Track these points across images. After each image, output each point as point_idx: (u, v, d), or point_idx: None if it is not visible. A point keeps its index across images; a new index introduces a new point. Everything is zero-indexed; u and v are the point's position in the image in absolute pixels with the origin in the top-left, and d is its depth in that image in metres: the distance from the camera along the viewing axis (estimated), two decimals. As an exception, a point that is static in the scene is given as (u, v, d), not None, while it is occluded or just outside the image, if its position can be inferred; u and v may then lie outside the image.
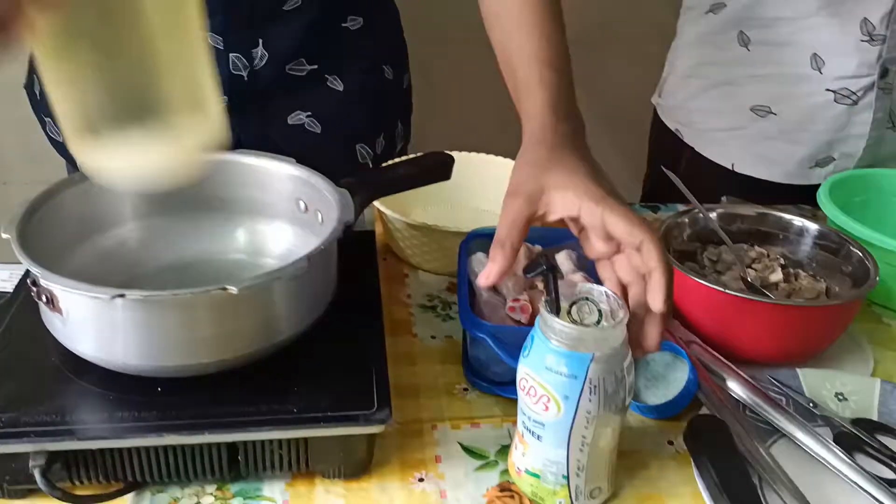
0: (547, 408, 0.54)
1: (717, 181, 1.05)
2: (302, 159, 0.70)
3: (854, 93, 0.95)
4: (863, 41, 0.92)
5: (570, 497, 0.57)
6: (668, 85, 1.11)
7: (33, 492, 0.55)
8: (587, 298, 0.54)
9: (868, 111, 0.96)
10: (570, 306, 0.54)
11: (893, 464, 0.61)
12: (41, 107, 0.95)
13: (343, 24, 0.88)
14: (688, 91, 1.06)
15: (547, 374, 0.54)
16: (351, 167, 0.93)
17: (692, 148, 1.07)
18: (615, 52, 1.42)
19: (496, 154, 0.95)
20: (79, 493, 0.55)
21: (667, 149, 1.13)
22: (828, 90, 0.96)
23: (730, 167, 1.05)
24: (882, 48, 0.92)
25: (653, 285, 0.54)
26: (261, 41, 0.84)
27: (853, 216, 0.79)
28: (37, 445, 0.53)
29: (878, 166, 0.97)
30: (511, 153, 0.95)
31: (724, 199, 0.99)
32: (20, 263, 0.60)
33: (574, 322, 0.53)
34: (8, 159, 1.35)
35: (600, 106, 1.47)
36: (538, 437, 0.56)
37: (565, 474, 0.56)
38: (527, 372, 0.55)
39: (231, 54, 0.85)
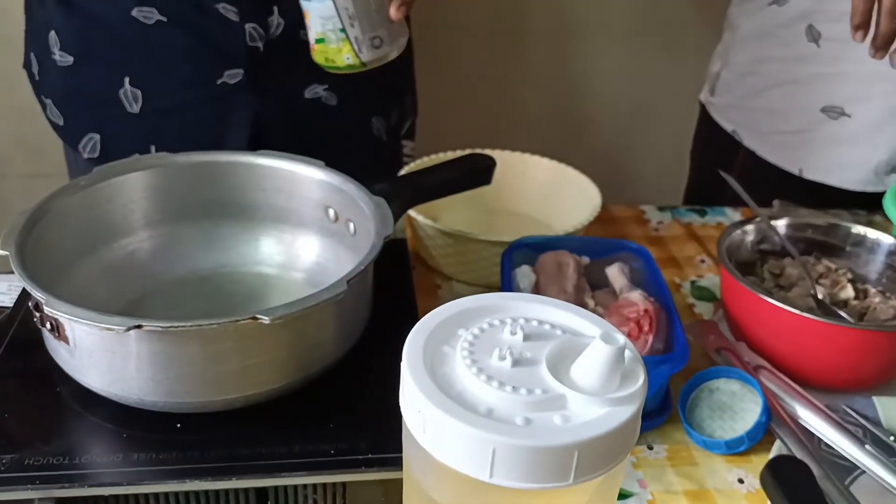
0: None
1: (776, 186, 0.97)
2: (322, 137, 0.64)
3: None
4: None
5: (354, 49, 0.62)
6: (723, 82, 1.02)
7: (37, 541, 0.49)
8: None
9: None
10: None
11: None
12: (42, 87, 0.88)
13: None
14: (747, 89, 0.98)
15: None
16: (367, 141, 0.88)
17: (748, 149, 0.99)
18: (653, 43, 1.34)
19: (516, 151, 0.89)
20: (89, 543, 0.49)
21: (717, 150, 1.05)
22: None
23: (796, 172, 0.98)
24: None
25: None
26: (276, 8, 0.77)
27: None
28: (43, 492, 0.47)
29: None
30: (540, 151, 0.89)
31: (775, 203, 0.93)
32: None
33: None
34: (4, 150, 1.28)
35: (636, 101, 1.41)
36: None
37: (341, 26, 0.61)
38: None
39: (247, 24, 0.78)
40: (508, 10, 1.34)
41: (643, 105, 1.36)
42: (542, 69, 1.38)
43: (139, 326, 0.44)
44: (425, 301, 0.76)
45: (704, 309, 0.77)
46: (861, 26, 0.70)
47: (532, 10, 1.34)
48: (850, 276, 0.72)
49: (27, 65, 0.89)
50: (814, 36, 0.90)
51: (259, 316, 0.46)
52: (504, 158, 0.88)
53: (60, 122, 0.87)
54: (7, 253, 0.50)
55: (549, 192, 0.88)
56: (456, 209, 0.87)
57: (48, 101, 0.88)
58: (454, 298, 0.75)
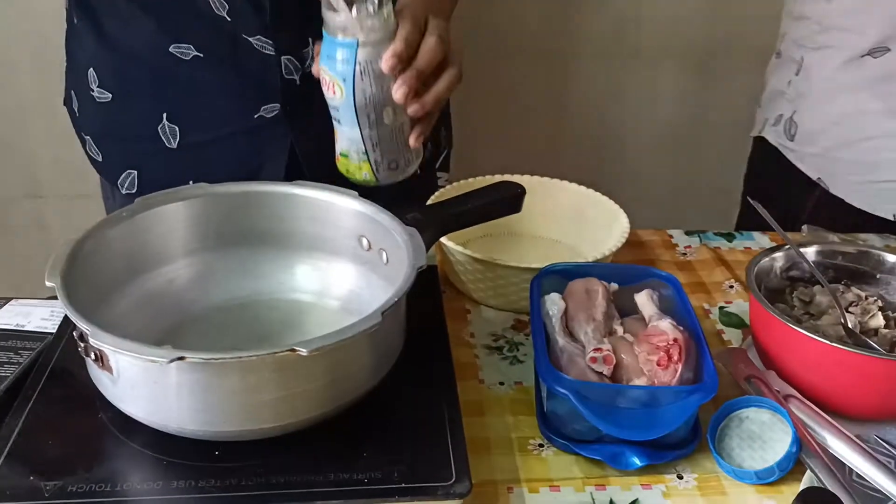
0: (334, 92, 0.65)
1: (851, 222, 0.97)
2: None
3: None
4: None
5: (372, 170, 0.67)
6: (804, 131, 1.01)
7: (80, 566, 0.51)
8: None
9: None
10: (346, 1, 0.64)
11: None
12: (81, 124, 0.91)
13: None
14: (835, 141, 0.97)
15: (329, 62, 0.65)
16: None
17: (825, 190, 1.00)
18: (687, 69, 1.34)
19: (548, 176, 0.90)
20: (130, 568, 0.50)
21: (786, 187, 1.05)
22: None
23: (891, 218, 0.98)
24: None
25: None
26: (310, 39, 0.79)
27: None
28: (84, 519, 0.48)
29: None
30: (565, 176, 0.90)
31: (804, 228, 0.93)
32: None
33: (336, 11, 0.63)
34: (44, 173, 1.32)
35: (670, 125, 1.41)
36: (339, 121, 0.67)
37: (364, 150, 0.67)
38: (321, 65, 0.66)
39: (283, 58, 0.80)
40: (547, 33, 1.35)
41: (677, 130, 1.36)
42: (576, 93, 1.39)
43: (182, 358, 0.46)
44: (455, 325, 0.77)
45: (733, 335, 0.77)
46: None
47: (567, 34, 1.35)
48: (880, 303, 0.72)
49: (67, 101, 0.92)
50: None
51: (297, 348, 0.47)
52: (534, 184, 0.89)
53: (99, 158, 0.89)
54: (53, 284, 0.52)
55: (578, 217, 0.88)
56: (485, 234, 0.88)
57: (87, 138, 0.90)
58: (483, 323, 0.77)
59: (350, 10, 0.63)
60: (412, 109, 0.66)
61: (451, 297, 0.82)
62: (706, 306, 0.81)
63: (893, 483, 0.58)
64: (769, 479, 0.59)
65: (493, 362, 0.73)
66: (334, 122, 0.68)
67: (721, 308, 0.81)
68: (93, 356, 0.50)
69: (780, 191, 1.03)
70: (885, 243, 0.92)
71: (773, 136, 1.05)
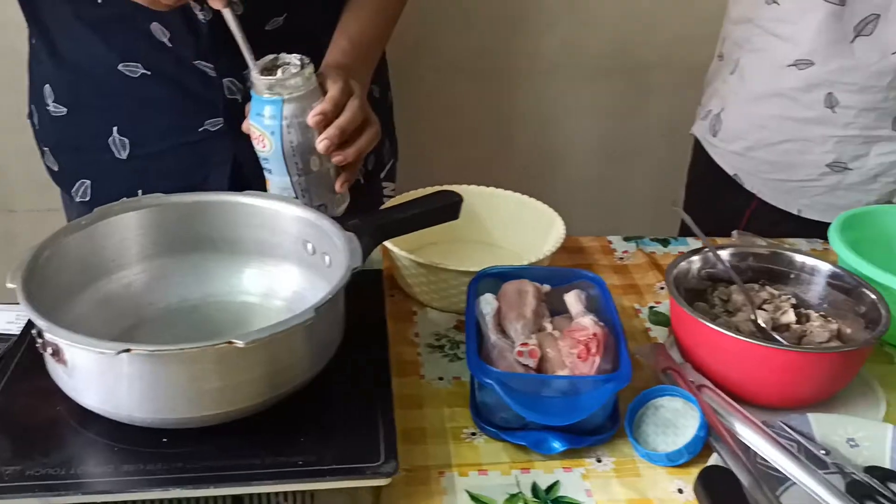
0: (264, 145, 0.73)
1: (773, 221, 1.04)
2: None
3: None
4: None
5: None
6: (727, 129, 1.08)
7: (37, 545, 0.55)
8: (276, 56, 0.73)
9: None
10: (270, 65, 0.73)
11: (905, 515, 0.60)
12: (40, 136, 0.96)
13: (325, 43, 0.88)
14: (754, 141, 1.04)
15: (257, 118, 0.72)
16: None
17: (760, 199, 1.06)
18: (623, 83, 1.41)
19: (494, 186, 0.95)
20: (83, 546, 0.54)
21: (713, 184, 1.11)
22: None
23: (795, 212, 1.05)
24: None
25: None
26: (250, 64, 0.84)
27: (866, 250, 0.79)
28: (42, 500, 0.52)
29: None
30: (512, 186, 0.96)
31: (734, 233, 0.99)
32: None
33: (267, 73, 0.72)
34: (14, 187, 1.36)
35: (608, 137, 1.48)
36: (269, 171, 0.74)
37: (294, 195, 0.74)
38: (250, 122, 0.73)
39: (224, 79, 0.85)
40: (490, 52, 1.41)
41: (615, 140, 1.43)
42: (521, 108, 1.46)
43: (128, 350, 0.50)
44: (401, 326, 0.82)
45: (660, 333, 0.82)
46: None
47: (509, 53, 1.42)
48: (793, 301, 0.78)
49: (30, 115, 0.97)
50: (831, 102, 0.96)
51: (234, 340, 0.52)
52: (478, 193, 0.94)
53: (56, 168, 0.95)
54: (14, 286, 0.56)
55: (518, 224, 0.94)
56: (434, 242, 0.93)
57: (46, 150, 0.96)
58: (428, 324, 0.82)
59: (274, 73, 0.73)
60: (336, 159, 0.75)
61: (400, 300, 0.87)
62: (637, 306, 0.87)
63: (793, 464, 0.63)
64: (679, 461, 0.65)
65: (435, 360, 0.78)
66: (266, 173, 0.76)
67: (651, 308, 0.87)
68: (49, 351, 0.55)
69: (716, 200, 1.10)
70: (811, 247, 0.98)
71: (699, 130, 1.12)
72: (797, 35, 0.95)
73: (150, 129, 0.87)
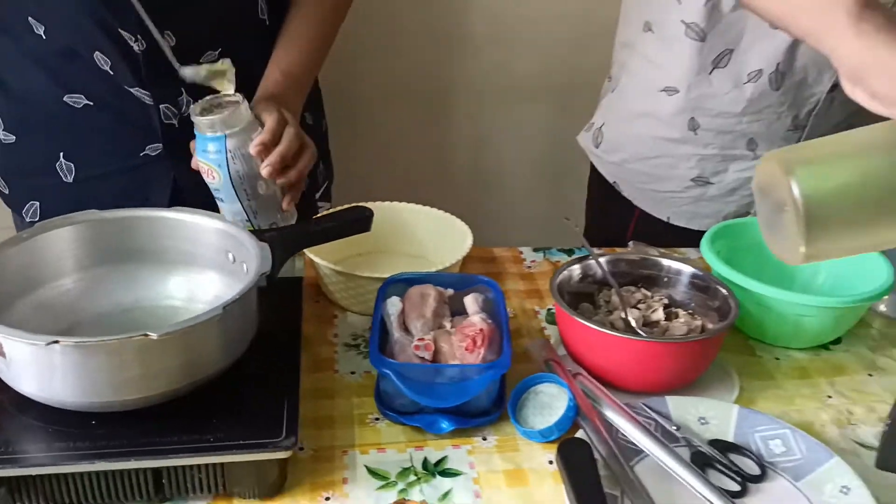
0: (213, 177, 0.83)
1: (656, 232, 1.15)
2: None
3: None
4: (789, 130, 1.06)
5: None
6: (607, 141, 1.19)
7: (-20, 515, 0.63)
8: (213, 96, 0.83)
9: None
10: (208, 105, 0.83)
11: (738, 478, 0.70)
12: None
13: (259, 73, 0.97)
14: (630, 155, 1.15)
15: (203, 154, 0.82)
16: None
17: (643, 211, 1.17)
18: (550, 104, 1.53)
19: (418, 203, 1.05)
20: (20, 515, 0.62)
21: (604, 196, 1.23)
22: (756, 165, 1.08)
23: (665, 219, 1.16)
24: (802, 134, 1.07)
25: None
26: (184, 90, 0.93)
27: (740, 259, 0.90)
28: (-14, 472, 0.60)
29: None
30: (432, 203, 1.05)
31: (631, 244, 1.09)
32: None
33: (207, 114, 0.81)
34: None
35: (536, 155, 1.59)
36: (221, 200, 0.85)
37: (247, 218, 0.85)
38: (197, 158, 0.83)
39: (161, 106, 0.94)
40: (424, 77, 1.52)
41: (544, 158, 1.54)
42: (454, 129, 1.57)
43: (56, 342, 0.59)
44: (322, 328, 0.91)
45: (553, 331, 0.92)
46: None
47: (443, 78, 1.53)
48: (665, 301, 0.88)
49: None
50: (694, 126, 1.08)
51: (149, 333, 0.60)
52: (400, 209, 1.04)
53: (6, 191, 1.03)
54: (-40, 289, 0.65)
55: (437, 237, 1.03)
56: (360, 252, 1.02)
57: None
58: (347, 326, 0.91)
59: (213, 112, 0.82)
60: (280, 181, 0.84)
61: (324, 305, 0.96)
62: (537, 308, 0.97)
63: (646, 438, 0.73)
64: (551, 437, 0.74)
65: (350, 357, 0.87)
66: (218, 202, 0.86)
67: (548, 310, 0.96)
68: (-10, 345, 0.63)
69: (606, 212, 1.21)
70: (699, 255, 1.09)
71: (583, 141, 1.24)
72: (667, 64, 1.06)
73: (95, 154, 0.95)
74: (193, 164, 0.83)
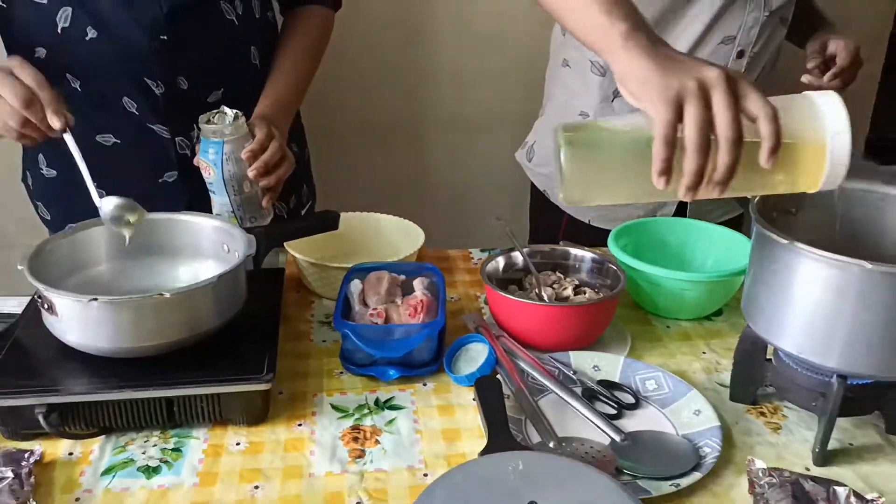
0: (209, 174, 1.05)
1: (582, 233, 1.37)
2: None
3: None
4: None
5: (239, 223, 1.06)
6: (537, 156, 1.43)
7: (38, 435, 0.84)
8: (218, 110, 1.05)
9: None
10: (213, 116, 1.05)
11: (615, 405, 0.90)
12: (34, 194, 1.27)
13: (253, 104, 1.19)
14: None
15: (204, 154, 1.04)
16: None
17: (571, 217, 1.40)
18: (504, 134, 1.78)
19: (382, 213, 1.27)
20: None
21: (539, 205, 1.45)
22: None
23: (587, 222, 1.38)
24: None
25: None
26: (196, 126, 1.16)
27: (641, 252, 1.11)
28: (40, 399, 0.81)
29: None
30: (396, 208, 1.27)
31: (561, 242, 1.31)
32: (26, 296, 0.91)
33: (210, 123, 1.04)
34: (11, 229, 1.68)
35: (496, 177, 1.82)
36: (213, 192, 1.07)
37: (231, 210, 1.07)
38: (199, 157, 1.05)
39: (177, 138, 1.17)
40: (398, 109, 1.77)
41: (504, 178, 1.77)
42: (428, 157, 1.81)
43: (95, 299, 0.81)
44: (302, 311, 1.12)
45: (489, 311, 1.13)
46: (664, 172, 0.73)
47: (415, 111, 1.77)
48: (576, 283, 1.10)
49: (24, 178, 1.28)
50: None
51: (163, 293, 0.82)
52: (366, 217, 1.26)
53: (48, 217, 1.25)
54: (23, 267, 0.86)
55: (395, 238, 1.25)
56: (335, 255, 1.24)
57: (39, 203, 1.27)
58: (322, 309, 1.12)
59: (216, 123, 1.04)
60: (262, 183, 1.06)
61: (303, 295, 1.17)
62: (478, 294, 1.18)
63: (548, 379, 0.93)
64: (473, 380, 0.94)
65: (323, 330, 1.08)
66: (210, 194, 1.08)
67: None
68: (46, 306, 0.84)
69: (541, 218, 1.43)
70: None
71: (519, 157, 1.46)
72: (580, 93, 1.29)
73: (121, 182, 1.16)
74: (195, 161, 1.06)
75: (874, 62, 1.87)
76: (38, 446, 0.82)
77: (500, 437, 0.81)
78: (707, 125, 0.72)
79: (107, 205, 0.94)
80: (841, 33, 1.28)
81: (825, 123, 0.73)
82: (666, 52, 0.78)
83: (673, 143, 0.73)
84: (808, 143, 0.74)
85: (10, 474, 0.76)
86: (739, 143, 0.72)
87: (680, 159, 0.73)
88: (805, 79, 1.24)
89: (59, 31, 1.10)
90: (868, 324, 0.77)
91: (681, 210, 1.36)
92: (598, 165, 0.77)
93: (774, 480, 0.76)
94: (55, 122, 0.93)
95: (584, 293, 1.08)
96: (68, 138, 0.94)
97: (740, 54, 1.23)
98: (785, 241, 0.78)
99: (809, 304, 0.79)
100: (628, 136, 0.76)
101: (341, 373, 0.98)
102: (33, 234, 1.59)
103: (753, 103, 0.73)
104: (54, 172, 1.21)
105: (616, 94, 1.25)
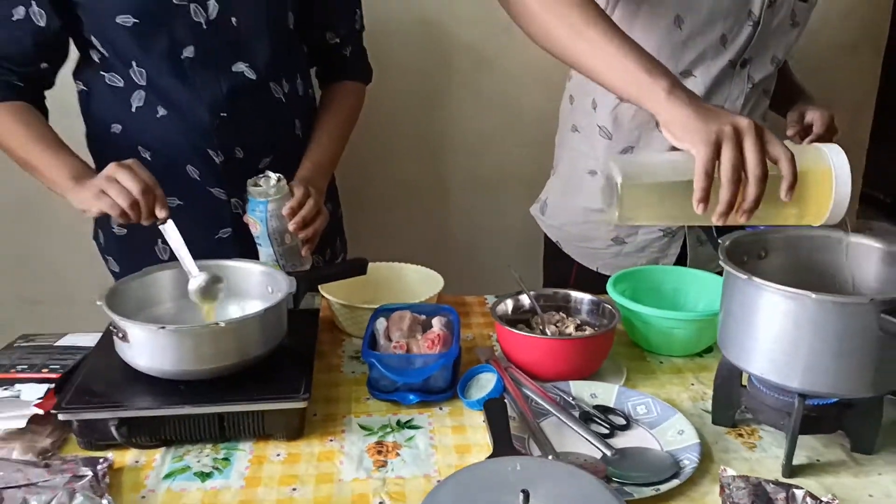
0: (256, 229, 1.23)
1: (589, 277, 1.51)
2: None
3: (673, 230, 1.44)
4: None
5: (282, 270, 1.19)
6: (550, 210, 1.58)
7: (109, 445, 0.98)
8: (263, 175, 1.23)
9: (681, 237, 1.45)
10: (259, 179, 1.23)
11: (608, 426, 1.02)
12: (105, 249, 1.45)
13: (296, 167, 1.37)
14: (566, 221, 1.53)
15: (252, 212, 1.23)
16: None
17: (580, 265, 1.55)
18: (519, 193, 1.95)
19: (407, 263, 1.43)
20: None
21: (551, 255, 1.60)
22: (659, 229, 1.45)
23: (595, 269, 1.52)
24: None
25: None
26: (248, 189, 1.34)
27: (639, 296, 1.24)
28: (112, 414, 0.96)
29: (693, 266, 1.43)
30: (420, 260, 1.42)
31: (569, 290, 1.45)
32: (98, 332, 1.08)
33: (257, 186, 1.22)
34: (76, 284, 1.87)
35: (508, 232, 1.98)
36: (260, 245, 1.25)
37: (275, 259, 1.24)
38: (248, 214, 1.24)
39: (232, 199, 1.34)
40: (421, 173, 1.95)
41: (519, 235, 1.92)
42: (450, 219, 1.98)
43: (163, 327, 0.96)
44: (333, 347, 1.27)
45: (500, 348, 1.27)
46: (703, 200, 0.89)
47: (436, 173, 1.95)
48: (578, 322, 1.23)
49: (95, 237, 1.47)
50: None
51: (219, 322, 0.97)
52: (392, 266, 1.41)
53: (117, 269, 1.43)
54: (101, 303, 1.02)
55: (420, 285, 1.39)
56: (363, 299, 1.38)
57: (109, 258, 1.44)
58: (351, 346, 1.27)
59: (261, 186, 1.21)
60: (301, 235, 1.23)
61: (336, 334, 1.32)
62: (490, 334, 1.31)
63: (550, 404, 1.06)
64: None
65: (352, 364, 1.22)
66: (257, 246, 1.27)
67: (499, 334, 1.31)
68: (120, 335, 1.00)
69: (553, 267, 1.57)
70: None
71: (534, 210, 1.61)
72: (589, 154, 1.45)
73: (184, 238, 1.33)
74: (244, 219, 1.23)
75: (862, 128, 2.01)
76: (109, 455, 0.97)
77: (505, 448, 0.94)
78: (740, 164, 0.90)
79: (198, 280, 1.12)
80: (818, 105, 1.43)
81: (832, 168, 0.90)
82: (701, 104, 0.95)
83: (711, 177, 0.90)
84: (817, 183, 0.90)
85: (89, 473, 0.90)
86: (765, 179, 0.89)
87: (716, 190, 0.90)
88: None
89: (133, 110, 1.29)
90: (822, 348, 0.89)
91: (680, 261, 1.49)
92: (646, 192, 0.94)
93: (741, 485, 0.87)
94: (162, 213, 1.13)
95: (585, 331, 1.21)
96: (171, 225, 1.13)
97: None
98: (744, 277, 0.91)
99: (770, 331, 0.92)
100: (672, 169, 0.93)
101: (368, 398, 1.12)
102: (94, 286, 1.78)
103: (776, 148, 0.90)
104: (124, 231, 1.38)
105: (623, 152, 1.40)
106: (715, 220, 0.92)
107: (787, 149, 0.91)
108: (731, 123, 0.91)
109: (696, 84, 1.33)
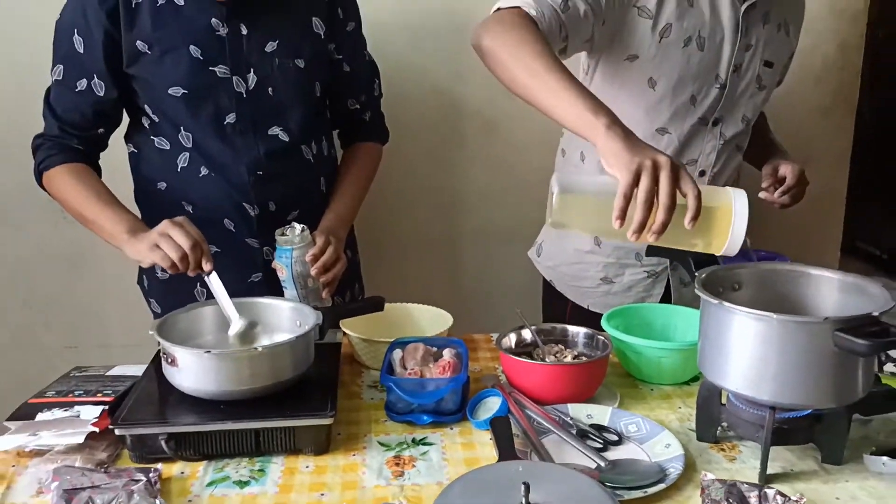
0: (283, 274, 1.37)
1: (582, 315, 1.64)
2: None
3: (657, 271, 1.58)
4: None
5: None
6: (545, 252, 1.73)
7: (158, 458, 1.10)
8: (290, 225, 1.38)
9: (664, 278, 1.59)
10: (285, 229, 1.38)
11: (601, 441, 1.14)
12: (149, 293, 1.60)
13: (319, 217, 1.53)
14: (559, 262, 1.68)
15: (279, 259, 1.37)
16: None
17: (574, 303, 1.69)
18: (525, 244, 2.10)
19: (420, 303, 1.56)
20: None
21: (548, 295, 1.73)
22: (644, 270, 1.59)
23: (586, 307, 1.66)
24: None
25: None
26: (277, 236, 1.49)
27: (631, 331, 1.37)
28: (162, 429, 1.09)
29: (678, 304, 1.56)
30: (432, 303, 1.56)
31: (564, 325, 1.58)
32: (143, 364, 1.22)
33: (283, 235, 1.36)
34: (113, 329, 2.01)
35: (515, 278, 2.13)
36: (286, 288, 1.38)
37: (299, 300, 1.36)
38: (276, 260, 1.38)
39: (264, 248, 1.50)
40: (434, 224, 2.11)
41: (524, 278, 2.07)
42: (460, 267, 2.13)
43: (208, 352, 1.10)
44: (353, 377, 1.39)
45: (505, 378, 1.39)
46: (619, 218, 1.05)
47: (449, 224, 2.11)
48: (575, 353, 1.35)
49: (140, 281, 1.61)
50: (598, 242, 1.60)
51: (258, 347, 1.11)
52: (406, 307, 1.55)
53: (159, 310, 1.57)
54: (153, 332, 1.16)
55: (432, 323, 1.53)
56: (382, 334, 1.52)
57: (152, 300, 1.59)
58: (369, 377, 1.40)
59: (287, 235, 1.36)
60: (322, 279, 1.37)
61: (356, 367, 1.45)
62: (496, 366, 1.44)
63: (551, 424, 1.18)
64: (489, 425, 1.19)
65: (371, 392, 1.34)
66: (284, 289, 1.40)
67: (505, 366, 1.44)
68: (169, 360, 1.14)
69: (550, 307, 1.71)
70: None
71: (530, 253, 1.75)
72: None
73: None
74: (273, 265, 1.38)
75: (839, 179, 2.16)
76: (159, 465, 1.09)
77: (509, 458, 1.06)
78: (653, 192, 1.04)
79: (237, 326, 1.25)
80: (790, 159, 1.58)
81: (733, 208, 1.03)
82: (635, 140, 1.10)
83: (629, 199, 1.04)
84: (720, 219, 1.04)
85: (143, 478, 1.02)
86: (673, 207, 1.03)
87: (632, 212, 1.03)
88: (761, 195, 1.54)
89: (178, 170, 1.46)
90: (787, 363, 1.01)
91: (665, 301, 1.62)
92: (576, 203, 1.10)
93: (719, 485, 0.99)
94: (207, 266, 1.27)
95: (582, 360, 1.33)
96: (214, 276, 1.27)
97: (702, 173, 1.53)
98: (716, 302, 1.04)
99: (742, 351, 1.04)
100: (600, 189, 1.09)
101: (386, 420, 1.24)
102: (130, 330, 1.93)
103: (687, 184, 1.04)
104: (167, 275, 1.53)
105: None
106: (629, 236, 1.05)
107: (696, 186, 1.05)
108: (652, 158, 1.05)
109: (671, 140, 1.49)
